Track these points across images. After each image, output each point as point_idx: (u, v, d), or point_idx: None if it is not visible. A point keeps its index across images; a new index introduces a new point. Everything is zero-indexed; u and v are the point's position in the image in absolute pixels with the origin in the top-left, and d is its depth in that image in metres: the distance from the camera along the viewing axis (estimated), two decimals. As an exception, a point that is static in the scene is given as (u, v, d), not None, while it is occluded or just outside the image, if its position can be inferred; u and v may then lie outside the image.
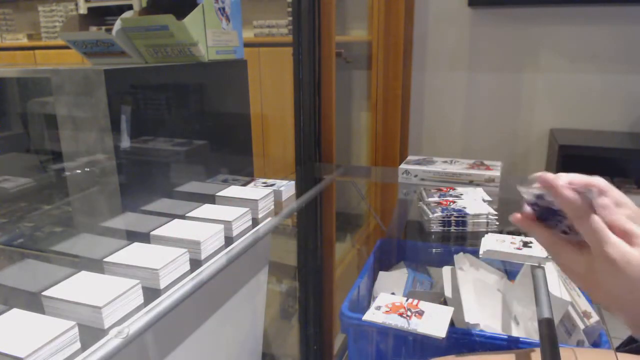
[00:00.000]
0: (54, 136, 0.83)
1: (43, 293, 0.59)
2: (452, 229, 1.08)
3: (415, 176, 1.26)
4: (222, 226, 0.80)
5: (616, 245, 0.45)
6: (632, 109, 2.00)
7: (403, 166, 1.28)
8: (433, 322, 0.76)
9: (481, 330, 0.94)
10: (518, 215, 0.54)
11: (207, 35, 1.00)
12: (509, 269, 1.22)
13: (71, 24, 1.13)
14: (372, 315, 0.78)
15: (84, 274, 0.64)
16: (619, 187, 0.49)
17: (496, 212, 1.07)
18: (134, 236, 0.78)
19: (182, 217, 0.86)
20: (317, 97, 1.38)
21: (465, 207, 1.09)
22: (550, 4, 1.99)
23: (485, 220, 1.07)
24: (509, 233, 0.97)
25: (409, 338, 0.94)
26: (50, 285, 0.61)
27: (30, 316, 0.55)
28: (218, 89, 1.08)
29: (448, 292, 1.09)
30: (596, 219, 0.46)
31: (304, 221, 1.38)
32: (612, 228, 0.46)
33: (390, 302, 0.82)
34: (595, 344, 0.91)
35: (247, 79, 1.18)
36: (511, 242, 0.88)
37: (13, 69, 0.95)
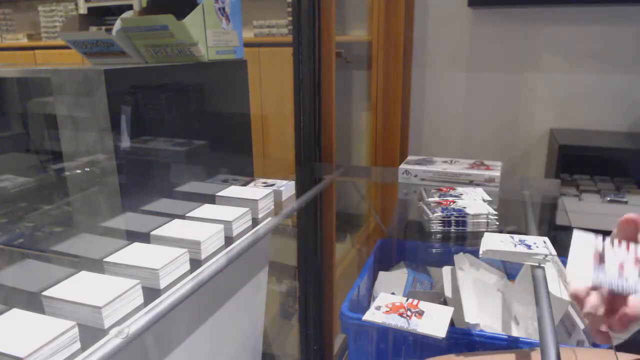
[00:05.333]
0: (54, 136, 0.83)
1: (43, 293, 0.59)
2: (452, 229, 1.08)
3: (415, 176, 1.26)
4: (222, 226, 0.80)
5: None
6: (632, 109, 2.00)
7: (403, 166, 1.28)
8: (433, 322, 0.76)
9: (481, 330, 0.94)
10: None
11: (207, 35, 1.00)
12: (509, 269, 1.22)
13: (71, 24, 1.13)
14: (372, 315, 0.78)
15: (84, 274, 0.64)
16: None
17: (496, 212, 1.07)
18: (134, 236, 0.78)
19: (182, 217, 0.86)
20: (317, 97, 1.37)
21: (465, 207, 1.09)
22: (550, 4, 1.99)
23: (485, 220, 1.07)
24: (508, 233, 0.97)
25: (409, 338, 0.95)
26: (50, 285, 0.61)
27: (30, 316, 0.55)
28: (218, 89, 1.08)
29: (448, 292, 1.09)
30: None
31: (304, 221, 1.38)
32: None
33: (390, 302, 0.82)
34: (595, 344, 0.91)
35: (247, 79, 1.18)
36: (511, 242, 0.87)
37: (13, 69, 0.95)
